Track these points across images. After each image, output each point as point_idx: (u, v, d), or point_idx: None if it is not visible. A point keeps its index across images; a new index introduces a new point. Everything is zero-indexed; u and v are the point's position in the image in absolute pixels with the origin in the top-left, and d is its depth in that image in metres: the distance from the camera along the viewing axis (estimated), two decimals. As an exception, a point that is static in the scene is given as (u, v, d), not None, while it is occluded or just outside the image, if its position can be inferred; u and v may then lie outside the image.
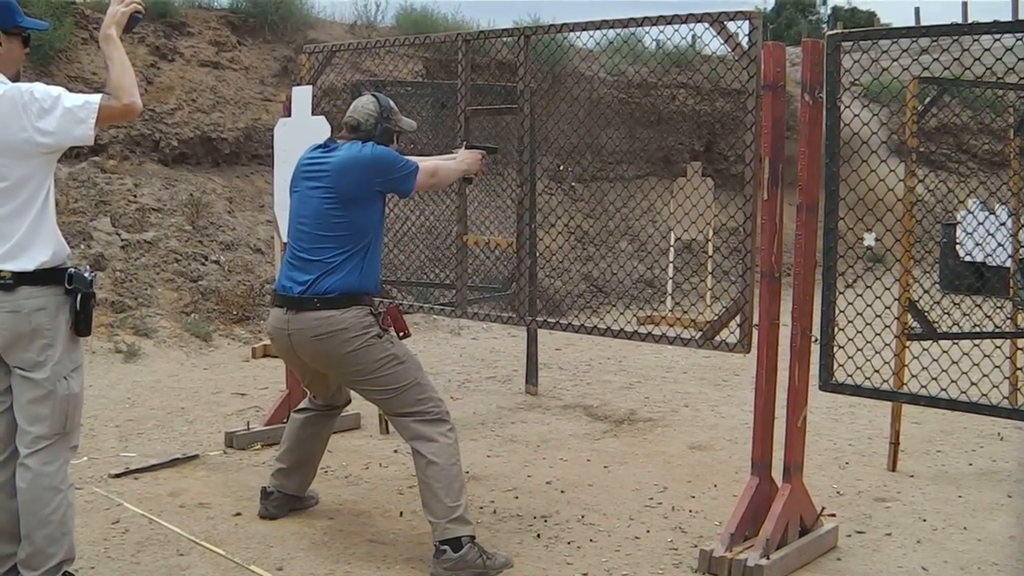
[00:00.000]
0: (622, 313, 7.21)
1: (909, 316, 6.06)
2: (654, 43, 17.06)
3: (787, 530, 4.85)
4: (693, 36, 18.94)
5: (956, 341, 5.86)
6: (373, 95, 5.14)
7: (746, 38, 4.95)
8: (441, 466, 4.73)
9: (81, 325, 4.06)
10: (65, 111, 3.88)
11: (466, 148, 5.59)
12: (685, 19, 5.22)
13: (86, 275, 4.05)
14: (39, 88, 3.92)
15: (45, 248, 3.97)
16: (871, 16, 43.20)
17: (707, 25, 5.16)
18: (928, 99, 6.45)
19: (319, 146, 5.09)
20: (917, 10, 36.22)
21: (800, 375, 4.86)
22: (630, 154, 16.04)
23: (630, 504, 5.76)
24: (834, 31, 4.98)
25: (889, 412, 6.56)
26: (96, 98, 3.94)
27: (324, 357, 4.87)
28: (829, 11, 46.92)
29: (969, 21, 31.83)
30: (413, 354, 4.99)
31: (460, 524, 4.68)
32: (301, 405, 5.52)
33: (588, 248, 13.46)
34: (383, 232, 5.14)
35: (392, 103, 5.16)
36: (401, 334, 4.95)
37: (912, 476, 6.36)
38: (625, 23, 5.43)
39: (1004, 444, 7.20)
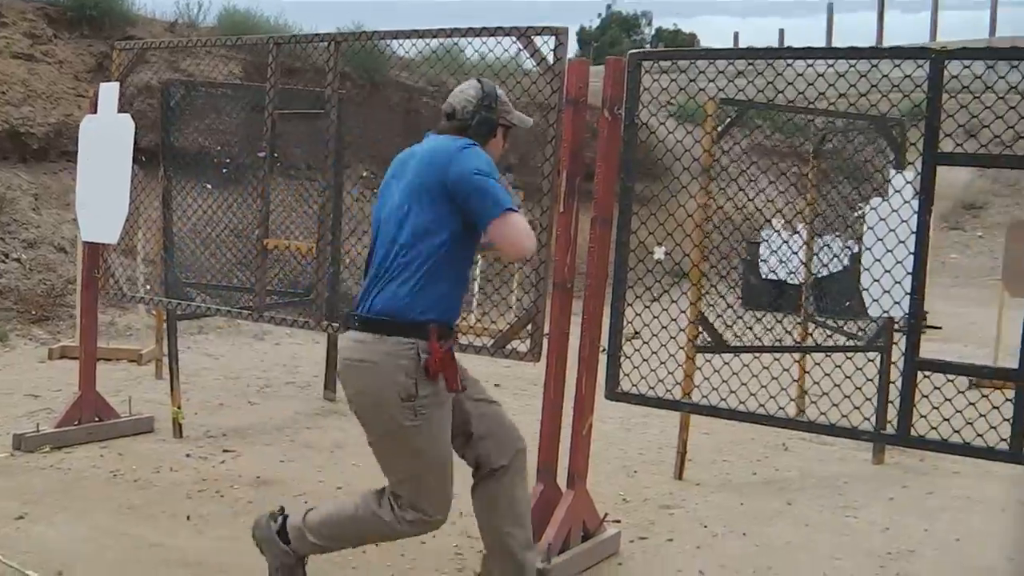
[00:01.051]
0: (428, 322, 7.25)
1: (699, 329, 6.27)
2: (476, 54, 17.21)
3: (570, 535, 4.96)
4: (517, 49, 19.14)
5: (743, 354, 6.09)
6: (477, 80, 4.25)
7: (551, 53, 5.07)
8: (357, 524, 4.11)
9: None
10: None
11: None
12: (494, 32, 5.32)
13: None
14: None
15: None
16: (693, 37, 44.42)
17: (515, 39, 5.26)
18: (728, 120, 6.68)
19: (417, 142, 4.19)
20: (736, 34, 37.46)
21: (587, 384, 4.98)
22: (448, 164, 16.09)
23: (421, 509, 5.79)
24: (635, 50, 5.13)
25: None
26: None
27: (351, 395, 4.03)
28: (654, 31, 48.03)
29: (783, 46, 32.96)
30: (442, 443, 4.03)
31: (301, 541, 4.18)
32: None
33: (401, 257, 13.47)
34: (466, 254, 4.05)
35: (502, 92, 4.27)
36: (451, 387, 3.96)
37: (698, 484, 6.56)
38: (435, 33, 5.48)
39: (788, 454, 7.49)
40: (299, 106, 7.88)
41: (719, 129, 6.42)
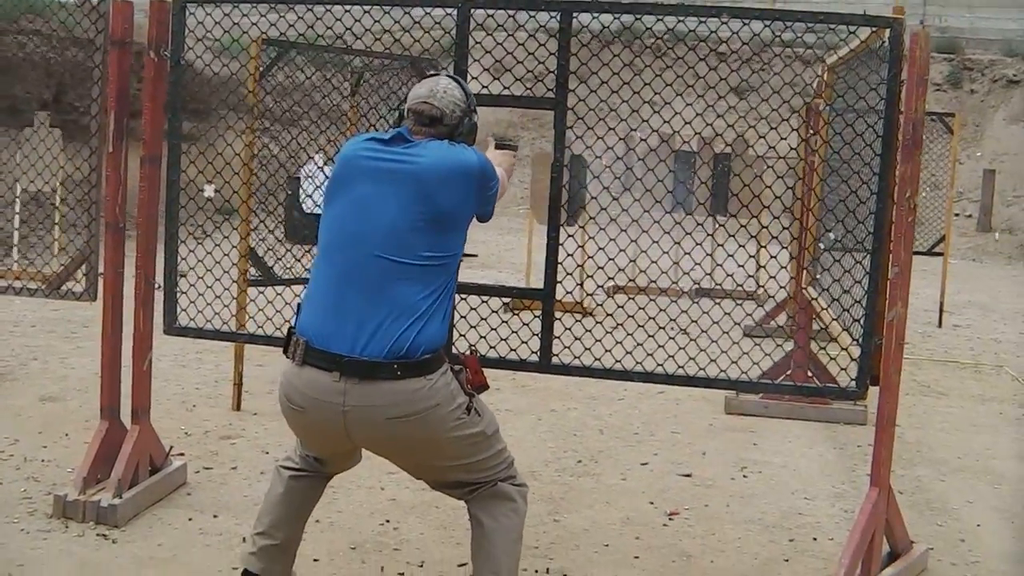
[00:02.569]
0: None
1: (249, 264, 6.48)
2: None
3: (138, 469, 5.08)
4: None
5: (291, 286, 6.37)
6: (453, 78, 3.84)
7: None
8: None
9: None
10: None
11: (496, 147, 4.30)
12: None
13: None
14: None
15: None
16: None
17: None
18: (272, 59, 6.86)
19: (379, 138, 3.69)
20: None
21: (144, 321, 5.08)
22: (-26, 104, 15.29)
23: (-21, 460, 5.71)
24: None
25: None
26: None
27: (397, 444, 3.60)
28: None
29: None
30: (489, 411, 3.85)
31: None
32: (292, 464, 3.94)
33: (-73, 203, 12.73)
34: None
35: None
36: (481, 388, 3.77)
37: (256, 414, 6.76)
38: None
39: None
40: None
41: (261, 69, 6.61)
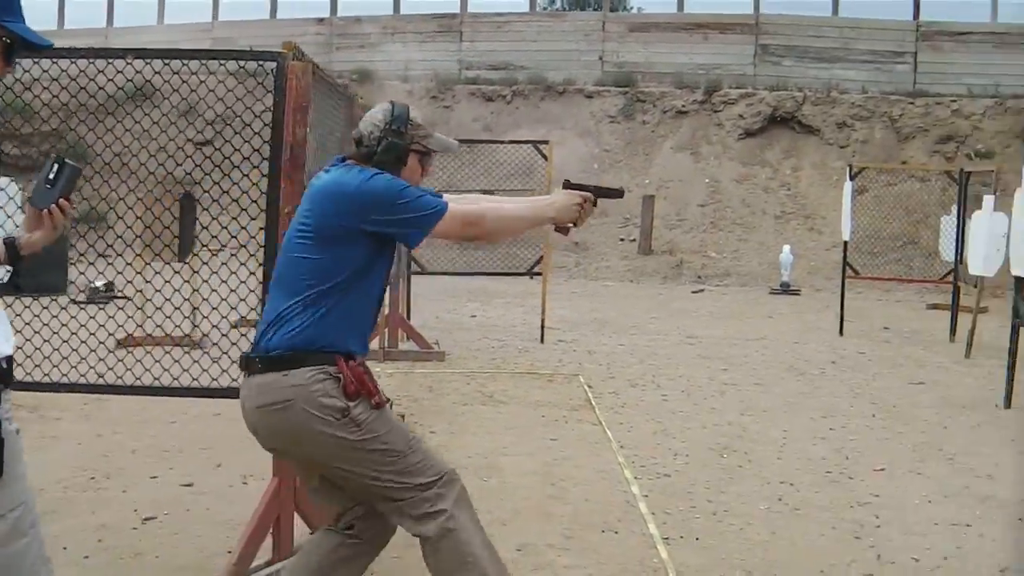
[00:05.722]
0: None
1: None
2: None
3: None
4: None
5: None
6: (389, 102, 3.91)
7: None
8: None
9: None
10: None
11: (564, 187, 4.06)
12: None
13: None
14: None
15: None
16: None
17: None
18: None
19: (333, 161, 3.93)
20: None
21: None
22: None
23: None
24: None
25: None
26: None
27: (275, 435, 3.68)
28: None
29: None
30: (397, 424, 3.82)
31: None
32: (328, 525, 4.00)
33: None
34: (371, 284, 3.82)
35: (415, 114, 3.90)
36: (374, 400, 3.68)
37: None
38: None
39: None
40: None
41: None
